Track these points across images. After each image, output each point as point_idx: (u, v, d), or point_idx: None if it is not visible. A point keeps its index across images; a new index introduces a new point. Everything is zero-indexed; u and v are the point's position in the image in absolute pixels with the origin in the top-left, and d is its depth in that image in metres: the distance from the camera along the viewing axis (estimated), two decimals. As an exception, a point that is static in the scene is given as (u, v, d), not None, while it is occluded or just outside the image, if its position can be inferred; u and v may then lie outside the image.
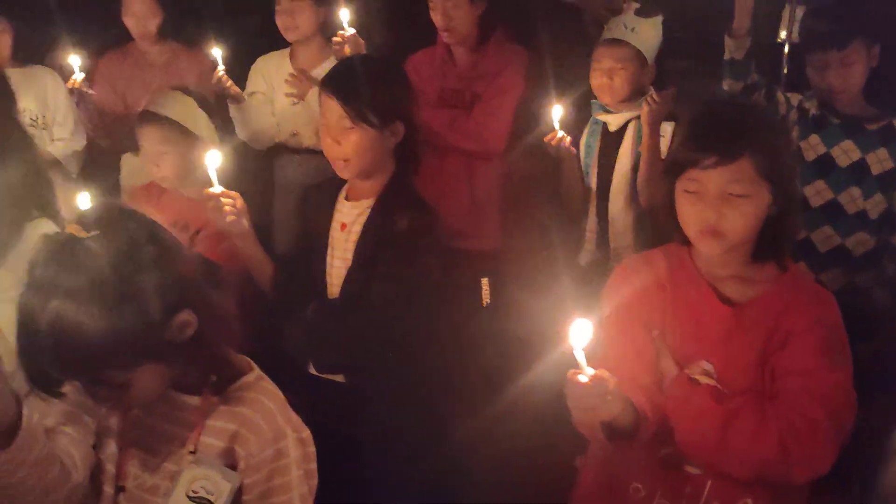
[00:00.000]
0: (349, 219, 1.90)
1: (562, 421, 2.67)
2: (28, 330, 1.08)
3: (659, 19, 2.47)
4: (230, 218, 1.73)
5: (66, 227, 1.58)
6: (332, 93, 1.83)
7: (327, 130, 1.86)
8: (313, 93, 2.97)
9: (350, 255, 1.88)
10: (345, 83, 1.83)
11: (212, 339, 1.19)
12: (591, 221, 2.60)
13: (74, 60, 2.74)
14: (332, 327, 1.85)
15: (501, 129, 2.73)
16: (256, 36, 3.22)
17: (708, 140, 1.36)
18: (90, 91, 2.86)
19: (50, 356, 1.08)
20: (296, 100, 3.04)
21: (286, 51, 3.12)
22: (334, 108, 1.83)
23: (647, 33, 2.45)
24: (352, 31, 2.55)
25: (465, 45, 2.76)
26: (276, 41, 3.12)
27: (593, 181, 2.58)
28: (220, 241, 1.95)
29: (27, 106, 2.84)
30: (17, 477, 1.08)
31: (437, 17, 2.70)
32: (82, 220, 1.13)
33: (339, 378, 1.88)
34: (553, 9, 2.87)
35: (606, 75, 2.45)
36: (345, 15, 2.55)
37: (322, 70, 3.00)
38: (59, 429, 1.21)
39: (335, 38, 2.56)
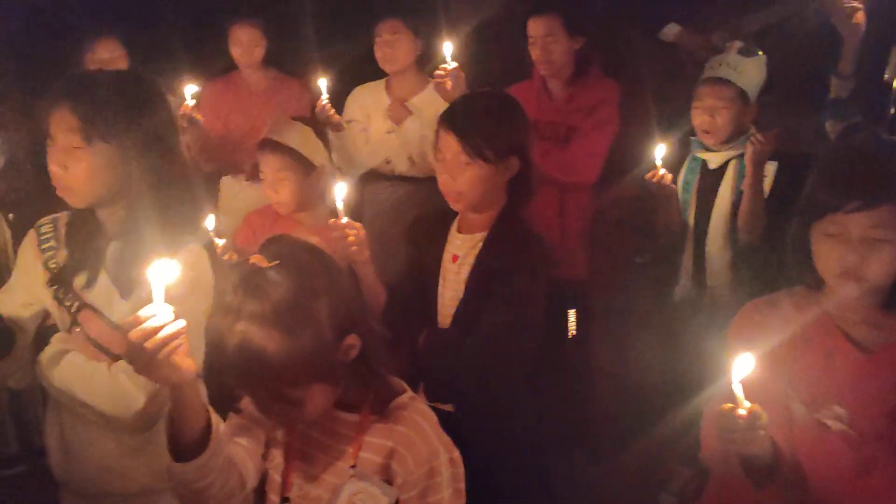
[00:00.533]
0: (461, 251, 1.94)
1: (647, 454, 2.66)
2: (217, 350, 1.16)
3: (763, 59, 2.48)
4: (353, 248, 1.79)
5: (217, 250, 1.67)
6: (451, 129, 1.87)
7: (443, 165, 1.91)
8: (408, 121, 3.06)
9: (461, 287, 1.91)
10: (464, 120, 1.88)
11: (372, 361, 1.27)
12: (687, 257, 2.60)
13: (189, 89, 2.87)
14: (444, 357, 1.89)
15: (597, 163, 2.76)
16: (353, 66, 3.33)
17: (851, 184, 1.36)
18: (199, 118, 2.99)
19: (235, 374, 1.17)
20: (390, 128, 3.13)
21: (382, 81, 3.22)
22: (452, 143, 1.87)
23: (750, 72, 2.45)
24: (454, 64, 2.61)
25: (561, 79, 2.81)
26: (372, 71, 3.22)
27: (691, 217, 2.58)
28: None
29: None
30: (208, 481, 1.16)
31: (535, 51, 2.76)
32: (263, 251, 1.22)
33: (449, 407, 1.91)
34: (650, 45, 2.90)
35: (708, 113, 2.46)
36: (448, 48, 2.62)
37: (417, 100, 3.10)
38: (234, 439, 1.29)
39: (437, 72, 2.62)
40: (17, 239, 2.96)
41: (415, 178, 3.12)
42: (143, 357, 1.07)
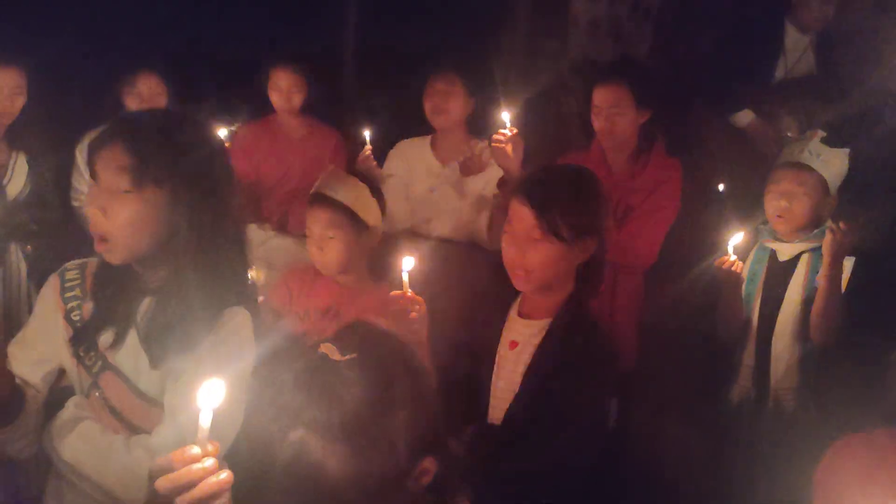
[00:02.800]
0: (521, 338, 1.75)
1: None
2: (260, 460, 0.94)
3: (846, 151, 2.32)
4: (415, 326, 1.60)
5: (258, 314, 1.48)
6: (528, 201, 1.70)
7: (512, 238, 1.73)
8: (478, 178, 2.89)
9: (518, 379, 1.71)
10: (542, 193, 1.70)
11: (446, 490, 1.03)
12: (749, 355, 2.40)
13: (222, 132, 2.72)
14: (494, 458, 1.67)
15: (654, 245, 2.59)
16: (396, 121, 3.20)
17: None
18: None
19: (281, 492, 0.93)
20: (433, 186, 2.98)
21: (427, 138, 3.09)
22: (526, 216, 1.70)
23: (833, 162, 2.30)
24: (514, 130, 2.47)
25: (624, 153, 2.66)
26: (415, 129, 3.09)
27: (755, 311, 2.39)
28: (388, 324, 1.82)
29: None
30: None
31: (598, 122, 2.61)
32: (338, 340, 1.00)
33: (497, 513, 1.69)
34: (718, 125, 2.77)
35: (785, 199, 2.29)
36: (506, 115, 2.48)
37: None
38: None
39: (496, 136, 2.48)
40: (33, 273, 2.82)
41: (454, 241, 2.95)
42: None
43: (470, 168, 2.78)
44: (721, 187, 2.77)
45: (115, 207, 1.34)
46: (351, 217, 2.02)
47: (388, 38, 3.61)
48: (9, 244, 2.80)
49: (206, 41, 3.30)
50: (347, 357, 0.96)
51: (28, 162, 2.84)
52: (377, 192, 2.11)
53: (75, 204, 2.94)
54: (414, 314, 1.61)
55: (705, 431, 2.57)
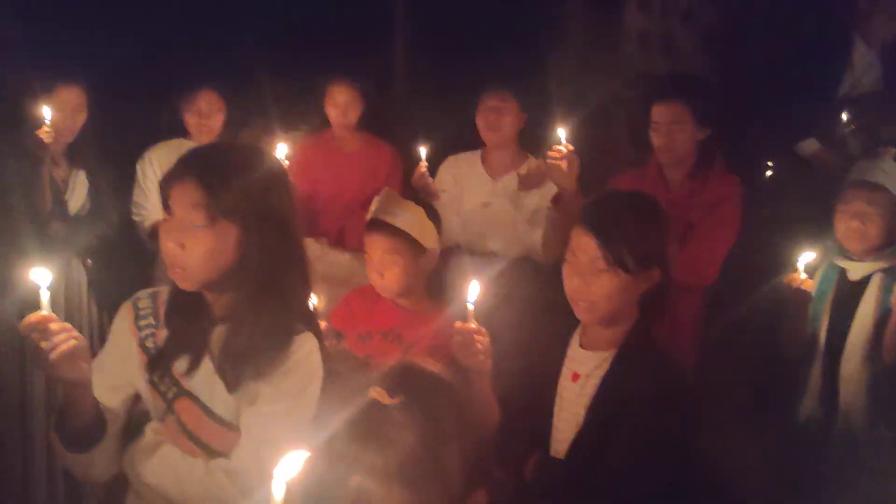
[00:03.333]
0: (584, 370, 1.71)
1: None
2: None
3: (920, 171, 2.25)
4: (480, 357, 1.58)
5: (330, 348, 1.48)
6: (593, 231, 1.65)
7: (575, 268, 1.69)
8: (510, 196, 2.86)
9: (582, 412, 1.68)
10: (606, 222, 1.66)
11: None
12: (816, 374, 2.33)
13: (282, 148, 2.74)
14: (558, 493, 1.64)
15: (716, 262, 2.53)
16: (450, 136, 3.19)
17: None
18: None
19: None
20: (486, 201, 2.96)
21: (477, 152, 3.09)
22: (591, 247, 1.65)
23: (906, 181, 2.23)
24: (570, 146, 2.44)
25: (682, 170, 2.61)
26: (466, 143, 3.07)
27: (822, 331, 2.32)
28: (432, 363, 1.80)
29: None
30: None
31: (657, 138, 2.57)
32: (385, 383, 1.03)
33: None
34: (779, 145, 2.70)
35: (858, 219, 2.23)
36: (562, 132, 2.45)
37: (511, 176, 2.92)
38: None
39: (551, 153, 2.45)
40: (93, 286, 2.88)
41: (508, 257, 2.93)
42: None
43: (530, 183, 2.75)
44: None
45: (192, 242, 1.38)
46: (409, 242, 2.01)
47: (442, 55, 3.61)
48: (70, 258, 2.85)
49: (263, 57, 3.33)
50: (396, 400, 1.00)
51: (88, 178, 2.90)
52: (434, 214, 2.10)
53: (136, 219, 2.99)
54: (479, 345, 1.58)
55: (771, 448, 2.50)
